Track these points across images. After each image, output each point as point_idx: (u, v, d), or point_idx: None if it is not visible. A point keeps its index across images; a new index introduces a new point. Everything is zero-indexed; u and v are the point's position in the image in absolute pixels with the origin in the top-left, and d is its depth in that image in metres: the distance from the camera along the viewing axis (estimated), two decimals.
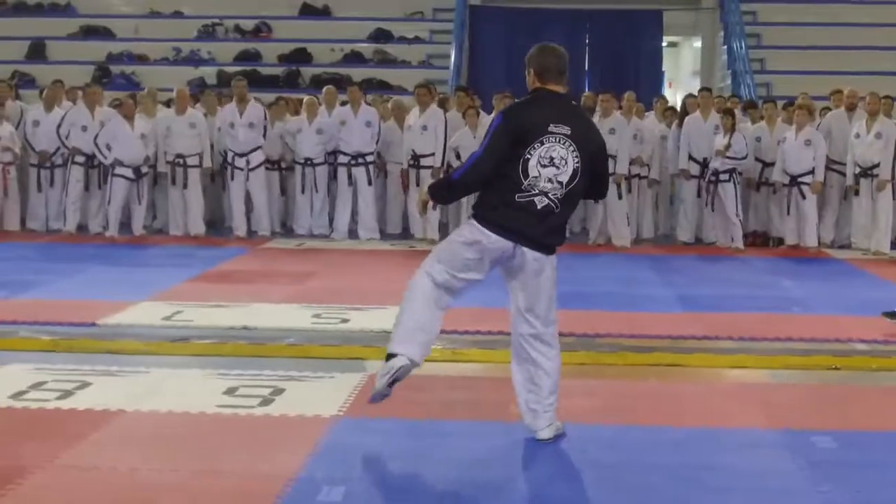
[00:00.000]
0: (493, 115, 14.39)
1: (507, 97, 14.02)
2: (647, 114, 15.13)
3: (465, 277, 5.71)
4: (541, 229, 5.62)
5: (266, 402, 6.52)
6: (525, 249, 5.63)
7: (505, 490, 5.20)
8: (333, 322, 8.85)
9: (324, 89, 14.88)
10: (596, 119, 13.68)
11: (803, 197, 13.28)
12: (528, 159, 5.52)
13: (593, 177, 5.74)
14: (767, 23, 20.97)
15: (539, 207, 5.56)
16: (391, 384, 5.69)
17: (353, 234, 14.01)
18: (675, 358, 7.81)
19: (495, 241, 5.60)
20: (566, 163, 5.56)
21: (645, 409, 6.57)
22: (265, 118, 13.74)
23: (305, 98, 14.59)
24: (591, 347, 8.01)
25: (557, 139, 5.55)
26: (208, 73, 19.92)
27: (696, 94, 15.26)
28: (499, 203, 5.58)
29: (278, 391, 6.74)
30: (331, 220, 14.26)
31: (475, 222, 5.66)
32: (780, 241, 13.83)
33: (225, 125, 13.76)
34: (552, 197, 5.56)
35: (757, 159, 13.96)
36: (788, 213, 13.48)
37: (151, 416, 6.22)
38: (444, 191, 6.00)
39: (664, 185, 14.86)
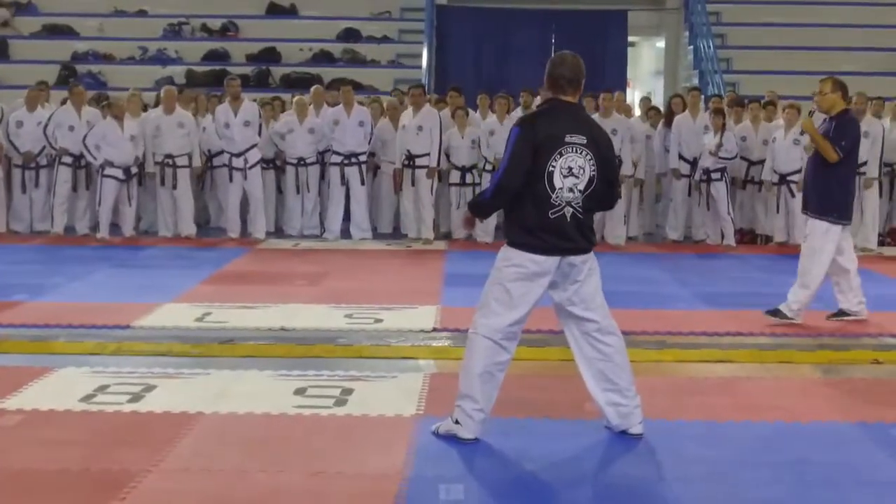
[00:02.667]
0: (478, 112, 14.56)
1: (502, 97, 14.09)
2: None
3: (520, 316, 5.78)
4: (577, 236, 5.77)
5: (340, 402, 6.53)
6: (571, 258, 5.74)
7: (620, 488, 5.26)
8: (368, 322, 8.84)
9: (311, 89, 14.86)
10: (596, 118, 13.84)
11: (792, 195, 13.49)
12: (552, 171, 5.62)
13: (604, 184, 5.83)
14: (732, 23, 21.27)
15: (569, 219, 5.70)
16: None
17: (344, 233, 13.98)
18: (723, 354, 7.93)
19: (542, 262, 5.70)
20: (584, 171, 5.69)
21: (716, 405, 6.66)
22: (260, 116, 13.66)
23: (296, 98, 14.52)
24: (635, 345, 8.03)
25: (574, 149, 5.67)
26: (177, 72, 19.69)
27: (680, 93, 15.45)
28: (534, 226, 5.68)
29: (347, 391, 6.74)
30: (321, 220, 14.23)
31: (517, 250, 5.72)
32: (768, 238, 14.05)
33: (220, 125, 13.63)
34: (575, 206, 5.71)
35: (742, 158, 14.16)
36: (778, 211, 13.69)
37: (233, 418, 6.19)
38: (481, 209, 6.04)
39: (649, 183, 15.01)
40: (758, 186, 14.10)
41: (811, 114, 9.65)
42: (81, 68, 19.83)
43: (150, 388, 6.74)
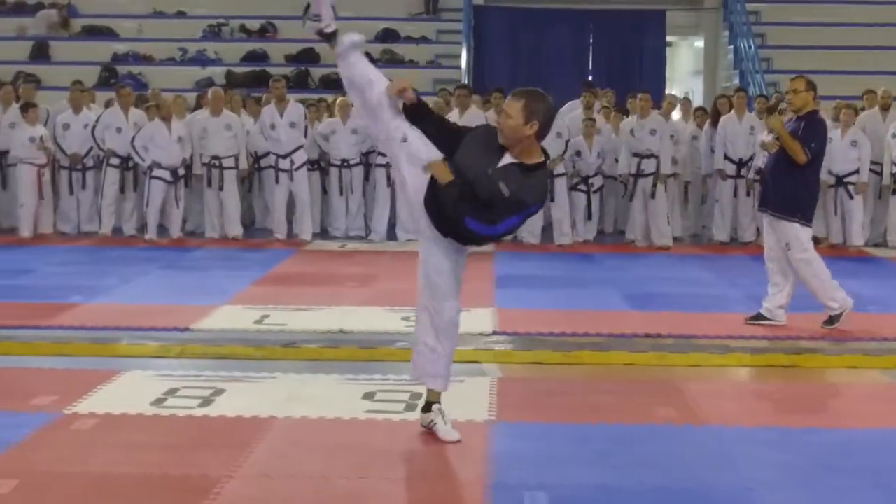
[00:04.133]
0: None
1: None
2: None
3: None
4: None
5: (410, 406, 6.48)
6: None
7: (708, 496, 5.19)
8: None
9: None
10: (633, 119, 13.83)
11: (850, 197, 13.42)
12: None
13: None
14: (772, 22, 21.16)
15: None
16: None
17: (389, 234, 13.97)
18: (790, 359, 7.86)
19: None
20: None
21: (788, 411, 6.64)
22: (305, 117, 13.68)
23: (339, 99, 14.51)
24: (697, 349, 8.05)
25: None
26: (217, 73, 19.72)
27: (726, 94, 15.41)
28: None
29: (416, 395, 6.68)
30: (366, 221, 14.23)
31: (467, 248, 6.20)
32: (816, 239, 13.90)
33: (265, 126, 13.65)
34: None
35: None
36: (836, 212, 13.59)
37: (306, 423, 6.17)
38: (477, 223, 5.88)
39: (695, 184, 14.92)
40: None
41: (781, 112, 9.50)
42: (122, 69, 19.90)
43: (219, 392, 6.73)
